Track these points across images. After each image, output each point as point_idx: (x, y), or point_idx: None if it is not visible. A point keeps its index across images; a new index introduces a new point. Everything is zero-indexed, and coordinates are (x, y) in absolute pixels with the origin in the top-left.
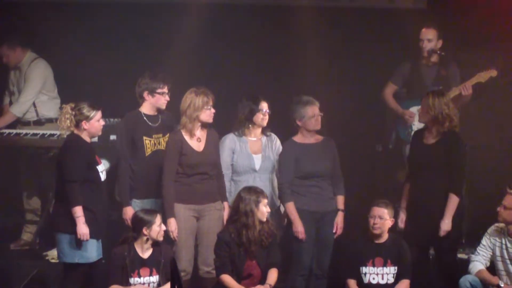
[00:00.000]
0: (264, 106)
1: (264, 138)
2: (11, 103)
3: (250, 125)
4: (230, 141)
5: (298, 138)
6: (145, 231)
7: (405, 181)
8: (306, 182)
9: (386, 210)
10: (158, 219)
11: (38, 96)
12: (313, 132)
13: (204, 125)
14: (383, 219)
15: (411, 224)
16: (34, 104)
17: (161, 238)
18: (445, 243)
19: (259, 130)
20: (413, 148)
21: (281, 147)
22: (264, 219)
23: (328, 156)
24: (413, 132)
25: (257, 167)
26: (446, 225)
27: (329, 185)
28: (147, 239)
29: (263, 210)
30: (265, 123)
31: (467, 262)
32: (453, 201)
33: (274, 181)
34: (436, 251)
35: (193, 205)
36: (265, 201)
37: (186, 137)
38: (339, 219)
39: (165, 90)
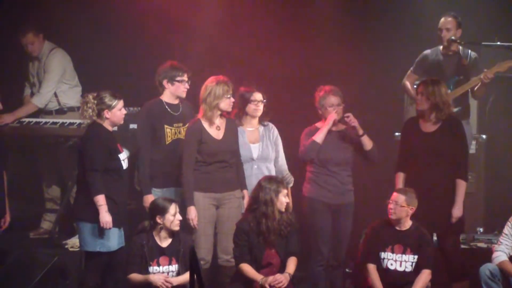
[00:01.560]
0: (257, 96)
1: (261, 128)
2: (32, 94)
3: (244, 115)
4: None
5: (319, 125)
6: (158, 219)
7: (397, 170)
8: (325, 171)
9: (403, 197)
10: (172, 208)
11: (59, 85)
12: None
13: (223, 114)
14: (398, 205)
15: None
16: (55, 94)
17: (175, 228)
18: (449, 228)
19: (255, 120)
20: (409, 137)
21: (279, 137)
22: (283, 209)
23: (348, 146)
24: (406, 122)
25: (255, 156)
26: (458, 211)
27: (348, 176)
28: (162, 228)
29: (283, 200)
30: (258, 114)
31: (486, 250)
32: (462, 187)
33: (272, 170)
34: (438, 236)
35: (212, 193)
36: (285, 191)
37: (205, 125)
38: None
39: (185, 78)
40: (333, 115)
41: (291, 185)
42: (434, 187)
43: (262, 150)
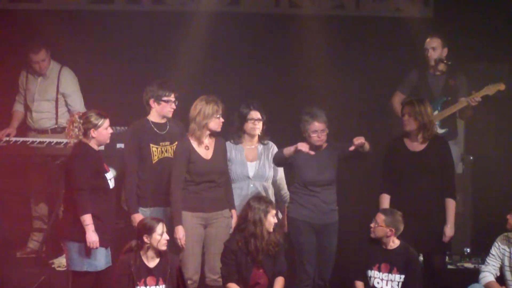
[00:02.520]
0: (255, 115)
1: (260, 146)
2: (27, 109)
3: (242, 133)
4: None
5: (301, 145)
6: (145, 238)
7: (381, 191)
8: (307, 191)
9: (383, 217)
10: (159, 227)
11: (62, 105)
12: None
13: (213, 133)
14: (377, 224)
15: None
16: (56, 112)
17: (162, 247)
18: (435, 247)
19: (254, 138)
20: (395, 157)
21: None
22: (271, 230)
23: (331, 165)
24: (390, 143)
25: (251, 174)
26: (450, 230)
27: (331, 194)
28: (149, 247)
29: (271, 220)
30: (255, 132)
31: (473, 271)
32: (452, 206)
33: (269, 189)
34: (425, 256)
35: (200, 213)
36: (274, 211)
37: (194, 145)
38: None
39: (171, 98)
40: (303, 145)
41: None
42: (421, 206)
43: (258, 168)
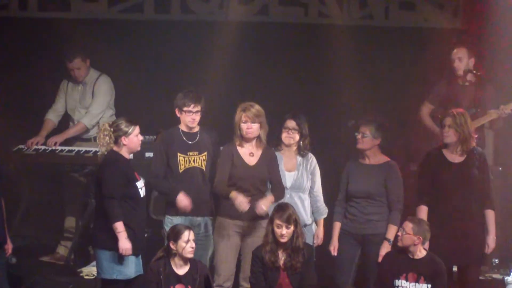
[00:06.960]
0: (290, 124)
1: (299, 157)
2: (70, 118)
3: (280, 142)
4: None
5: (360, 157)
6: (172, 245)
7: (418, 203)
8: (349, 202)
9: (411, 225)
10: (186, 234)
11: (106, 111)
12: (372, 152)
13: (259, 142)
14: (405, 232)
15: (437, 244)
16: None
17: (187, 255)
18: (473, 259)
19: (291, 148)
20: (435, 168)
21: (317, 167)
22: (281, 240)
23: (376, 179)
24: (429, 154)
25: (289, 184)
26: (492, 241)
27: (373, 206)
28: (175, 254)
29: (276, 230)
30: (290, 142)
31: (501, 282)
32: (493, 217)
33: (305, 200)
34: (459, 268)
35: (238, 221)
36: (278, 222)
37: (239, 149)
38: (382, 248)
39: (191, 108)
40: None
41: (324, 216)
42: (460, 218)
43: (296, 179)
